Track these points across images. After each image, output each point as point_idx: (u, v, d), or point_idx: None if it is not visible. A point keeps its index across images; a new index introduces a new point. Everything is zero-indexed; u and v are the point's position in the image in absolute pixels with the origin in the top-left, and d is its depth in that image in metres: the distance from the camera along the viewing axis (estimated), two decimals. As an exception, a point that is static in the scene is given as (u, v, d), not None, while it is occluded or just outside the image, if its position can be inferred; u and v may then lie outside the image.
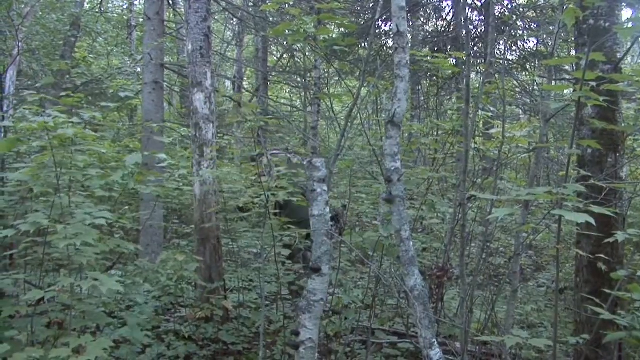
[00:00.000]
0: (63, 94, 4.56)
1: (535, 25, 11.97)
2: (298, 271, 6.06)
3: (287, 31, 4.40)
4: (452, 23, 13.01)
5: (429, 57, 4.69)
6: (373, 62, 11.50)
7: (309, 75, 14.77)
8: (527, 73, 12.97)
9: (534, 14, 11.85)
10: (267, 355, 5.33)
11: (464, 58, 4.71)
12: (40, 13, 14.12)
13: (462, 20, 11.32)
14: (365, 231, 5.88)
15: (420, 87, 15.21)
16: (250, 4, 14.67)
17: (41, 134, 4.11)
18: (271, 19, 13.38)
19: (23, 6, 12.19)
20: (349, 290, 5.70)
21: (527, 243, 5.73)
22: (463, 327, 4.20)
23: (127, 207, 9.41)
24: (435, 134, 10.12)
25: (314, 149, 12.39)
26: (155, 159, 5.31)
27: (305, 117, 16.03)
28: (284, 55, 16.83)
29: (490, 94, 5.54)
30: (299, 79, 16.53)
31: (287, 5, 5.21)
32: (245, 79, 20.37)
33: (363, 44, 12.66)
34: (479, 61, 12.09)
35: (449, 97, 13.99)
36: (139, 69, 14.52)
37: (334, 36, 10.36)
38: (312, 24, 4.31)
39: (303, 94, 18.17)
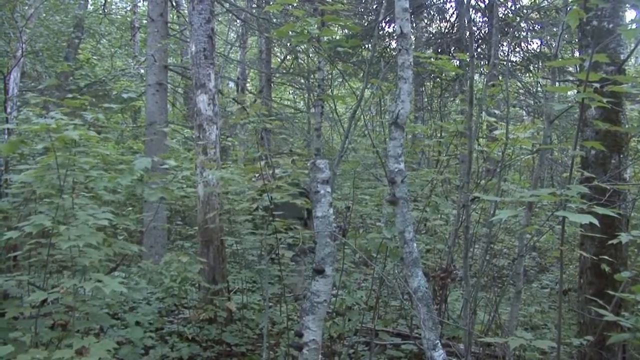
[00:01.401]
0: (68, 95, 4.57)
1: (538, 27, 11.96)
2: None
3: (290, 32, 4.40)
4: (455, 24, 13.02)
5: (432, 59, 4.69)
6: (376, 64, 11.51)
7: (312, 76, 14.77)
8: (531, 74, 12.97)
9: (538, 16, 11.84)
10: (271, 356, 5.34)
11: (467, 60, 4.71)
12: (44, 15, 14.15)
13: (466, 21, 11.32)
14: (368, 233, 5.87)
15: (423, 88, 15.21)
16: (254, 5, 14.68)
17: (45, 135, 4.11)
18: (275, 20, 13.39)
19: (27, 7, 12.23)
20: (352, 292, 5.70)
21: (531, 244, 5.71)
22: (466, 329, 4.20)
23: (130, 209, 9.43)
24: (439, 135, 10.12)
25: (317, 151, 12.40)
26: (159, 161, 5.32)
27: (309, 118, 16.03)
28: (288, 57, 16.84)
29: (494, 95, 5.54)
30: (302, 81, 16.54)
31: (290, 6, 5.21)
32: (248, 80, 20.39)
33: (366, 46, 12.67)
34: (482, 63, 12.09)
35: (452, 99, 13.99)
36: (142, 71, 14.54)
37: (338, 37, 10.36)
38: (316, 26, 4.31)
39: (306, 95, 18.18)
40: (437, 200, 6.20)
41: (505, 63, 11.03)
